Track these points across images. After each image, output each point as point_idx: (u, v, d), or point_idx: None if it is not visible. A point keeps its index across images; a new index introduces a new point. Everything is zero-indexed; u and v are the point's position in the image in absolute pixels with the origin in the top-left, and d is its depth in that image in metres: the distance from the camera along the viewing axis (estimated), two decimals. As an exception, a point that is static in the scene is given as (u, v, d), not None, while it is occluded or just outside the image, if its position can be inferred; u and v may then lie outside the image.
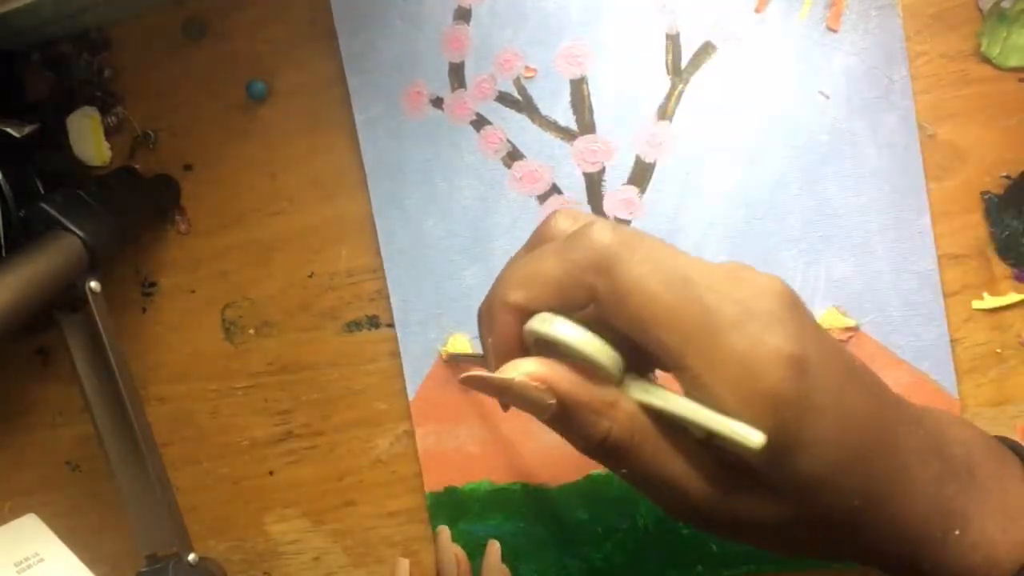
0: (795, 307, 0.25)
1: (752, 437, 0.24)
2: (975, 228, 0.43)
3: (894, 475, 0.26)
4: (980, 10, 0.42)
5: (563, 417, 0.27)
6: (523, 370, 0.26)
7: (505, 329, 0.28)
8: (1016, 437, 0.43)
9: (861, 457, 0.25)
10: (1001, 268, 0.43)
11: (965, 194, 0.43)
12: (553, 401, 0.26)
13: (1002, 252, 0.42)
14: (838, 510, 0.25)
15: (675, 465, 0.26)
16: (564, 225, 0.28)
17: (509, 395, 0.27)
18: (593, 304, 0.26)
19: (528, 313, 0.27)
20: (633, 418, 0.26)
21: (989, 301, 0.43)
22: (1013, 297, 0.42)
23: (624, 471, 0.27)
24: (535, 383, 0.26)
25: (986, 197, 0.42)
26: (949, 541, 0.26)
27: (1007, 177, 0.42)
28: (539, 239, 0.29)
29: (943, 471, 0.26)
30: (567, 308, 0.26)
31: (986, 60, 0.42)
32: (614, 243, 0.25)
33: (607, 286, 0.25)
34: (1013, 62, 0.41)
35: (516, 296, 0.27)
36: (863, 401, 0.25)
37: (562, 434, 0.28)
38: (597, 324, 0.26)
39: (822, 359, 0.25)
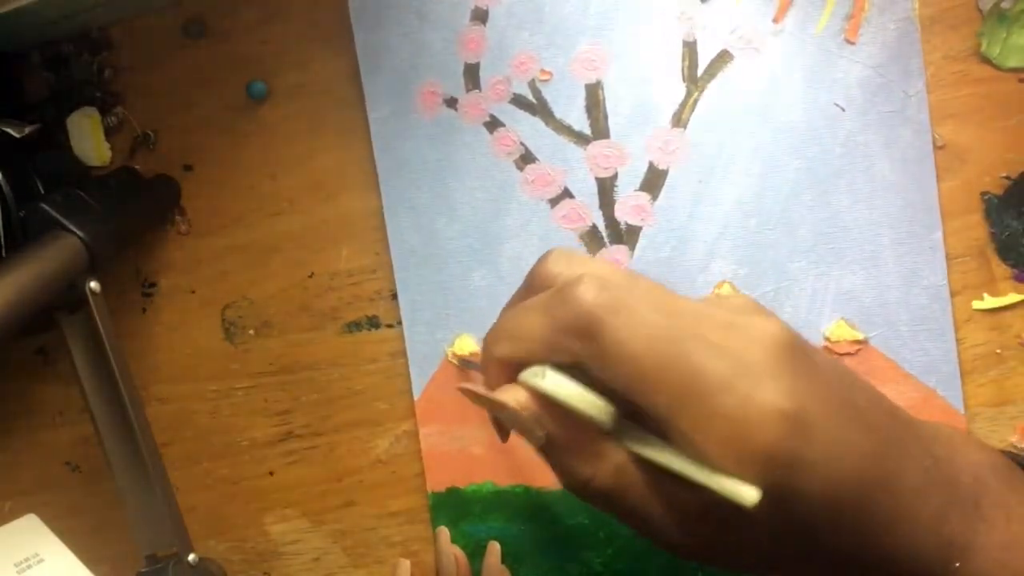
0: (791, 355, 0.25)
1: (746, 495, 0.23)
2: (975, 228, 0.43)
3: (892, 514, 0.25)
4: (980, 10, 0.42)
5: (550, 452, 0.27)
6: (517, 398, 0.27)
7: (496, 381, 0.28)
8: (1016, 437, 0.43)
9: (857, 501, 0.25)
10: (1001, 268, 0.43)
11: (965, 194, 0.43)
12: (542, 434, 0.27)
13: (1002, 252, 0.42)
14: (831, 550, 0.25)
15: (661, 513, 0.26)
16: (557, 268, 0.28)
17: (503, 416, 0.27)
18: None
19: (518, 365, 0.27)
20: (618, 470, 0.26)
21: (989, 302, 0.43)
22: (1013, 297, 0.42)
23: (607, 512, 0.27)
24: (525, 413, 0.26)
25: (986, 197, 0.42)
26: (948, 573, 0.26)
27: (1007, 177, 0.42)
28: (532, 283, 0.29)
29: (947, 503, 0.26)
30: (554, 363, 0.26)
31: (986, 60, 0.42)
32: (598, 305, 0.25)
33: (591, 350, 0.25)
34: (1013, 62, 0.41)
35: (503, 350, 0.27)
36: (864, 444, 0.25)
37: (550, 467, 0.28)
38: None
39: (819, 410, 0.24)
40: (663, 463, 0.25)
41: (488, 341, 0.28)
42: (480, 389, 0.27)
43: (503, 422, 0.28)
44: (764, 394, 0.24)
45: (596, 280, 0.25)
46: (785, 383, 0.24)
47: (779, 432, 0.23)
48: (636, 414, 0.26)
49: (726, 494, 0.24)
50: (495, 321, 0.29)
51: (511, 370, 0.28)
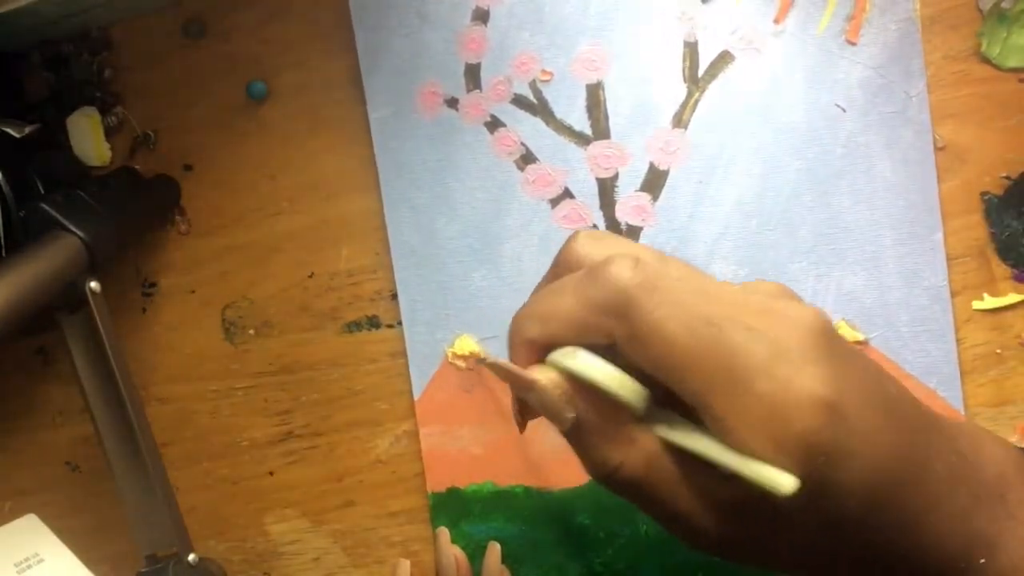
0: (830, 343, 0.24)
1: (783, 483, 0.23)
2: (975, 228, 0.43)
3: (921, 508, 0.25)
4: (980, 10, 0.42)
5: (578, 436, 0.26)
6: (549, 376, 0.26)
7: (524, 363, 0.27)
8: (1016, 437, 0.43)
9: (889, 495, 0.24)
10: (1001, 269, 0.43)
11: (965, 194, 0.43)
12: (572, 415, 0.26)
13: (1002, 252, 0.42)
14: (859, 546, 0.25)
15: (691, 505, 0.25)
16: (586, 250, 0.27)
17: (532, 394, 0.26)
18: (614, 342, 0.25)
19: (547, 347, 0.27)
20: (649, 458, 0.26)
21: (989, 302, 0.43)
22: (1013, 298, 0.42)
23: (635, 503, 0.27)
24: (558, 392, 0.26)
25: (986, 198, 0.42)
26: (973, 569, 0.25)
27: (1007, 177, 0.42)
28: (561, 264, 0.28)
29: (973, 498, 0.26)
30: (587, 344, 0.26)
31: (986, 60, 0.42)
32: (633, 284, 0.24)
33: (625, 330, 0.24)
34: (1013, 62, 0.41)
35: (534, 332, 0.27)
36: (897, 437, 0.24)
37: (576, 453, 0.27)
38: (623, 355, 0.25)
39: (857, 400, 0.24)
40: (696, 450, 0.25)
41: (517, 322, 0.27)
42: (509, 364, 0.26)
43: (530, 403, 0.27)
44: (804, 380, 0.23)
45: (630, 259, 0.25)
46: (825, 370, 0.23)
47: (820, 420, 0.23)
48: (668, 400, 0.26)
49: (762, 482, 0.23)
50: (525, 303, 0.28)
51: (539, 353, 0.27)
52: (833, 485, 0.23)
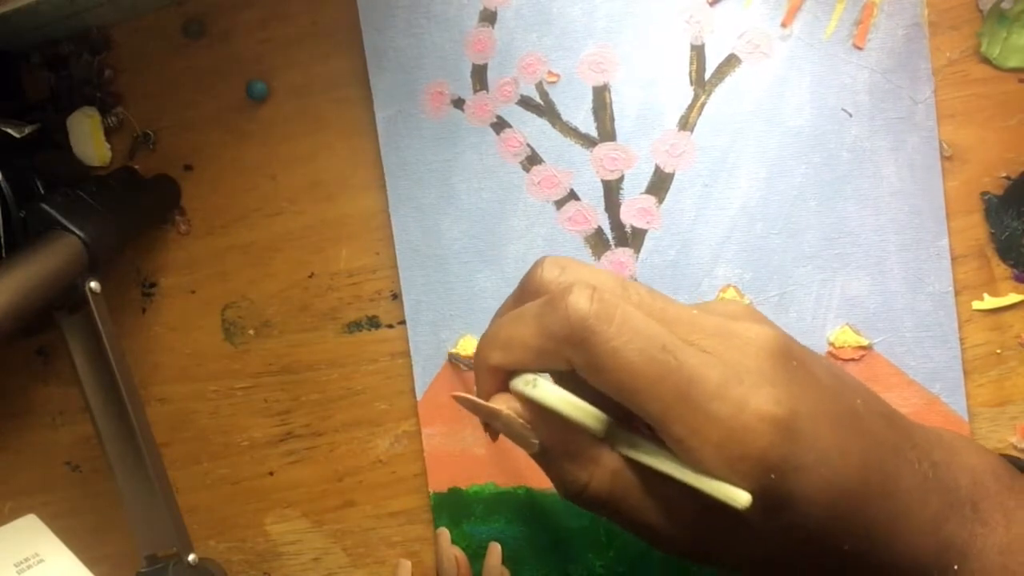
0: (786, 360, 0.25)
1: (738, 498, 0.24)
2: (975, 228, 0.43)
3: (888, 518, 0.25)
4: (980, 10, 0.42)
5: (545, 459, 0.27)
6: (511, 405, 0.27)
7: (488, 388, 0.28)
8: (1016, 437, 0.43)
9: (853, 505, 0.25)
10: (1001, 269, 0.43)
11: (965, 194, 0.43)
12: (537, 440, 0.27)
13: (1002, 253, 0.43)
14: (826, 555, 0.26)
15: (657, 515, 0.26)
16: (550, 276, 0.28)
17: (497, 423, 0.27)
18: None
19: (510, 373, 0.28)
20: (614, 475, 0.27)
21: (989, 302, 0.43)
22: (1013, 298, 0.42)
23: (604, 516, 0.27)
24: (520, 420, 0.27)
25: (986, 198, 0.42)
26: None
27: (1007, 177, 0.42)
28: (525, 289, 0.29)
29: (944, 506, 0.26)
30: (547, 371, 0.27)
31: (986, 60, 0.42)
32: (590, 315, 0.25)
33: (583, 359, 0.25)
34: (1013, 62, 0.41)
35: (496, 358, 0.28)
36: (859, 447, 0.25)
37: (545, 473, 0.28)
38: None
39: (813, 414, 0.24)
40: (657, 467, 0.26)
41: (480, 349, 0.28)
42: (474, 397, 0.27)
43: (497, 429, 0.28)
44: (757, 400, 0.24)
45: (587, 288, 0.25)
46: (778, 389, 0.24)
47: (772, 438, 0.24)
48: (630, 418, 0.26)
49: (718, 497, 0.24)
50: (487, 328, 0.29)
51: (503, 377, 0.28)
52: (790, 499, 0.24)
